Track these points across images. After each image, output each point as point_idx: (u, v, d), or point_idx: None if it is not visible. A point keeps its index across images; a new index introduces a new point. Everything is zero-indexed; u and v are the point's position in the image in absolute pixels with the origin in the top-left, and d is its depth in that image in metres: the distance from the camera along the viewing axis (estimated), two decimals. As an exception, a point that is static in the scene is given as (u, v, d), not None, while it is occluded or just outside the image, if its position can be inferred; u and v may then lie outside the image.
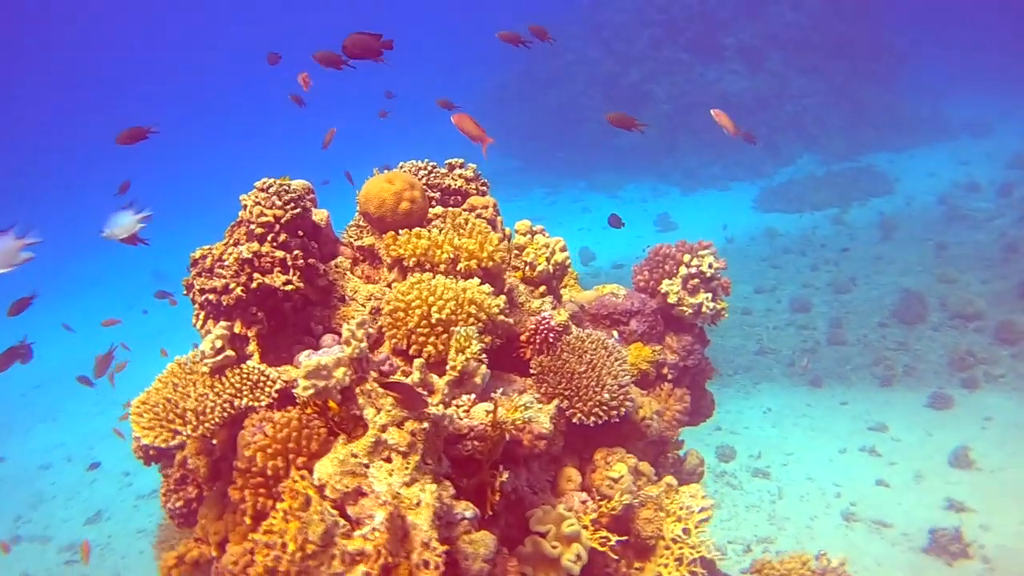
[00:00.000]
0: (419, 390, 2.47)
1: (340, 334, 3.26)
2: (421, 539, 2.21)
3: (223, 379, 2.68)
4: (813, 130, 21.24)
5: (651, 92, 21.61)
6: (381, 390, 2.40)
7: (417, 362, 2.49)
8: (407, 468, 2.34)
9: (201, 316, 2.85)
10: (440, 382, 2.51)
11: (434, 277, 3.18)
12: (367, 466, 2.36)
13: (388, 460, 2.37)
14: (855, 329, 12.05)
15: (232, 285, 2.74)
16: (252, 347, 2.82)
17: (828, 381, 10.83)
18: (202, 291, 2.77)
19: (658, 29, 22.11)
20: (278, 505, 2.17)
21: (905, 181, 19.06)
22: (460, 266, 3.34)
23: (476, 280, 3.28)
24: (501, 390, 3.45)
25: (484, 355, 2.65)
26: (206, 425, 2.49)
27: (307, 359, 2.66)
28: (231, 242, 2.95)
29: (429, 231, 3.38)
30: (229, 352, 2.74)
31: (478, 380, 2.57)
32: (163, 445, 2.42)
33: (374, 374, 2.44)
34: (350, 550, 2.23)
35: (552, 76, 24.58)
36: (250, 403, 2.61)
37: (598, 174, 23.18)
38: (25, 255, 2.93)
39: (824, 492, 8.44)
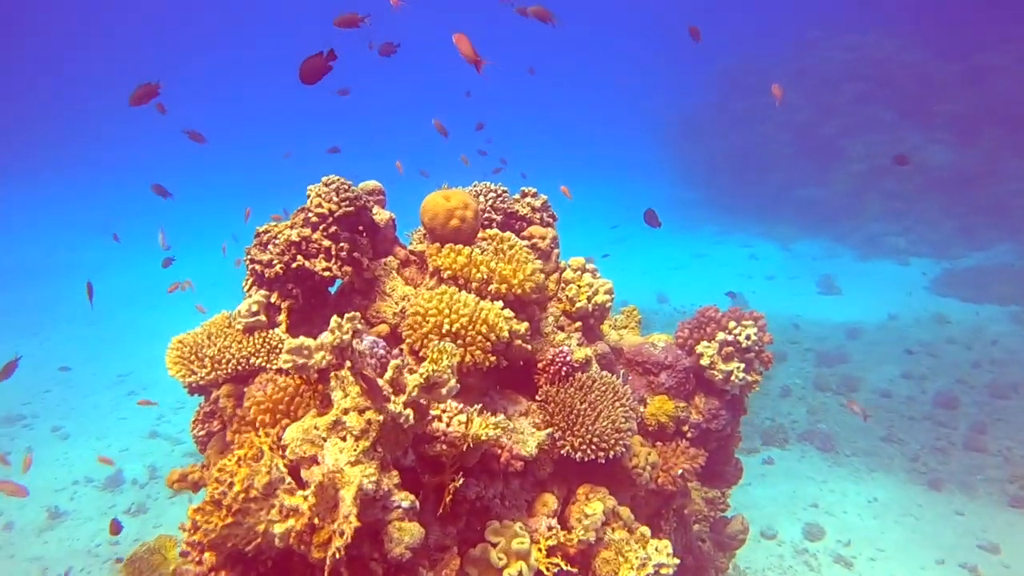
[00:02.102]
0: (387, 388, 2.79)
1: (371, 323, 3.67)
2: (343, 511, 2.54)
3: (249, 338, 3.14)
4: (1020, 218, 19.26)
5: (845, 148, 20.55)
6: (351, 378, 2.75)
7: (393, 363, 2.80)
8: (355, 450, 2.67)
9: (249, 282, 3.34)
10: (410, 384, 2.81)
11: (459, 292, 3.50)
12: (324, 440, 2.72)
13: (343, 439, 2.71)
14: (1000, 439, 10.97)
15: (276, 261, 3.20)
16: (282, 317, 3.27)
17: (950, 486, 9.99)
18: (252, 261, 3.25)
19: (866, 84, 20.94)
20: (236, 451, 2.58)
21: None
22: (491, 287, 3.63)
23: (499, 304, 3.56)
24: (505, 407, 3.71)
25: (454, 370, 2.90)
26: (218, 371, 2.95)
27: (355, 343, 3.06)
28: (291, 224, 3.42)
29: (471, 250, 3.68)
30: (262, 317, 3.21)
31: (444, 391, 2.84)
32: (181, 380, 2.91)
33: (349, 363, 2.78)
34: (287, 504, 2.60)
35: (745, 115, 24.02)
36: (263, 363, 3.04)
37: (774, 223, 22.40)
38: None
39: (903, 600, 7.90)
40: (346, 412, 2.73)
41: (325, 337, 2.75)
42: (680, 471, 4.02)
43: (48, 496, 9.94)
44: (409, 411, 2.75)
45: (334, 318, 2.71)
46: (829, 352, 14.51)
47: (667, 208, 28.71)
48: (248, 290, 3.36)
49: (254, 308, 3.19)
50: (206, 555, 2.74)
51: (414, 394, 2.80)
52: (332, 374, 2.80)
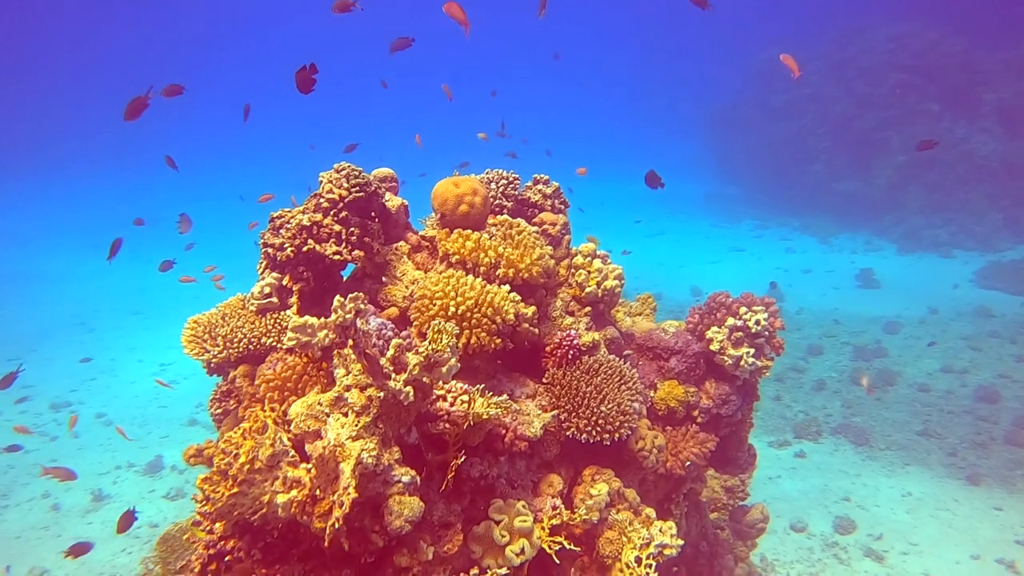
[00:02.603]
0: (388, 366, 2.87)
1: (381, 306, 3.76)
2: (343, 483, 2.63)
3: (261, 319, 3.26)
4: (1069, 210, 18.70)
5: (886, 140, 20.10)
6: (354, 356, 2.84)
7: (395, 342, 2.89)
8: (356, 425, 2.76)
9: (263, 264, 3.46)
10: (411, 363, 2.89)
11: (466, 276, 3.57)
12: (328, 415, 2.82)
13: (345, 415, 2.81)
14: (1044, 435, 10.72)
15: (287, 245, 3.31)
16: (293, 299, 3.38)
17: (988, 481, 9.79)
18: (265, 244, 3.37)
19: (909, 75, 20.43)
20: (242, 424, 2.70)
21: None
22: (499, 272, 3.70)
23: (506, 287, 3.62)
24: (512, 389, 3.78)
25: (454, 350, 2.97)
26: (230, 350, 3.08)
27: (361, 323, 3.17)
28: (304, 209, 3.53)
29: (480, 235, 3.76)
30: (274, 299, 3.33)
31: (444, 370, 2.92)
32: (194, 357, 3.03)
33: (351, 342, 2.87)
34: (290, 476, 2.71)
35: (784, 108, 23.64)
36: (274, 343, 3.16)
37: (813, 217, 22.06)
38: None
39: (936, 595, 7.79)
40: (348, 389, 2.83)
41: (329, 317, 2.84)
42: (689, 459, 4.04)
43: (93, 480, 10.31)
44: (409, 388, 2.83)
45: (337, 298, 2.80)
46: (866, 346, 14.28)
47: (707, 203, 28.49)
48: (262, 273, 3.48)
49: (266, 290, 3.30)
50: (217, 525, 2.87)
51: (415, 372, 2.88)
52: (335, 352, 2.89)
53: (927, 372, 13.17)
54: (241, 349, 3.13)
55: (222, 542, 2.88)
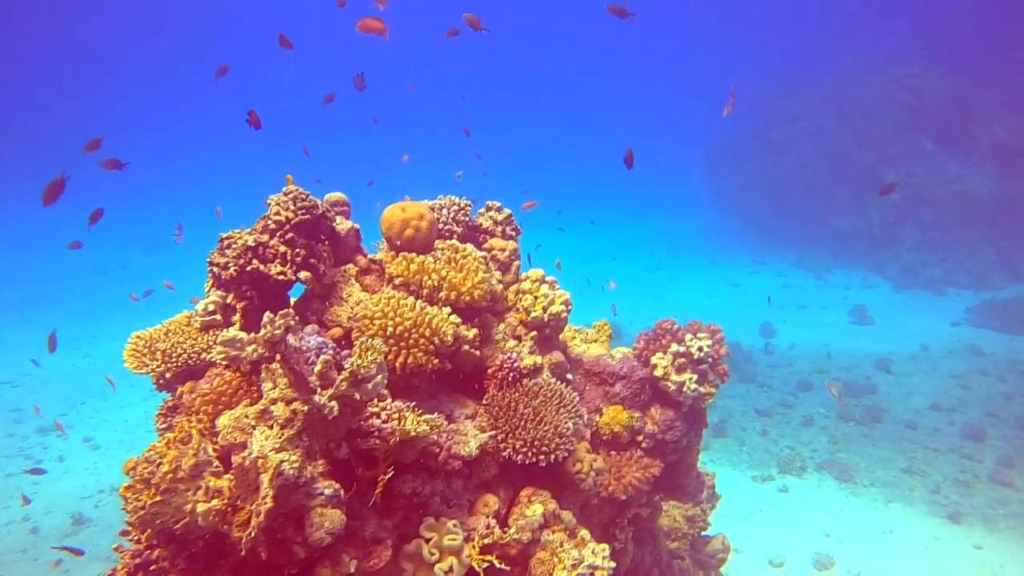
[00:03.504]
0: (316, 381, 2.96)
1: (327, 326, 3.86)
2: (262, 493, 2.71)
3: (202, 335, 3.36)
4: (1065, 248, 18.73)
5: (883, 177, 20.24)
6: (282, 371, 2.93)
7: (323, 358, 2.98)
8: (280, 437, 2.84)
9: (209, 283, 3.57)
10: (338, 379, 2.97)
11: (406, 297, 3.67)
12: (254, 428, 2.90)
13: (270, 427, 2.89)
14: (1027, 474, 10.68)
15: (231, 264, 3.43)
16: (236, 317, 3.48)
17: (970, 520, 9.74)
18: (211, 264, 3.49)
19: (904, 112, 20.65)
20: (167, 434, 2.78)
21: None
22: (441, 294, 3.80)
23: (447, 310, 3.72)
24: (452, 410, 3.85)
25: (381, 367, 3.06)
26: (168, 365, 3.18)
27: (293, 340, 3.27)
28: (252, 231, 3.65)
29: (424, 258, 3.86)
30: (218, 317, 3.43)
31: (370, 386, 3.00)
32: (135, 372, 3.13)
33: (279, 356, 2.96)
34: (213, 486, 2.78)
35: (783, 142, 23.87)
36: (214, 359, 3.25)
37: (809, 252, 22.18)
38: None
39: (905, 636, 7.73)
40: (274, 402, 2.91)
41: (265, 332, 2.94)
42: (632, 484, 4.09)
43: (75, 503, 10.34)
44: (334, 403, 2.91)
45: (267, 314, 2.90)
46: (857, 382, 14.27)
47: (705, 237, 28.63)
48: (208, 291, 3.59)
49: (210, 308, 3.41)
50: (144, 535, 2.94)
51: (342, 388, 2.96)
52: (263, 367, 2.99)
53: (915, 409, 13.16)
54: (180, 364, 3.23)
55: (148, 551, 2.95)
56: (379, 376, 3.03)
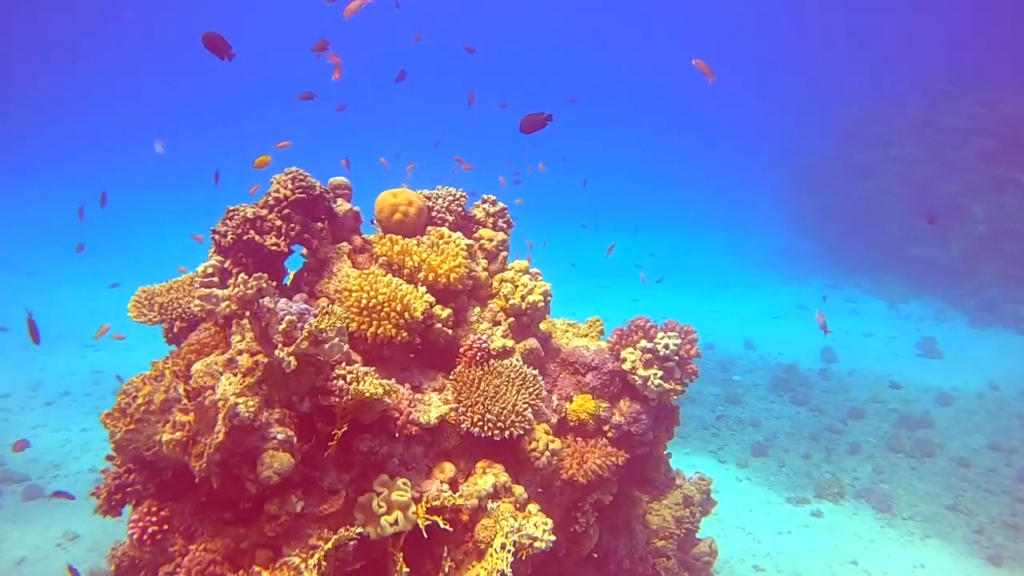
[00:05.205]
0: (280, 338, 3.33)
1: (316, 297, 4.25)
2: (216, 429, 3.09)
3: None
4: None
5: (967, 208, 19.41)
6: (250, 326, 3.32)
7: (287, 318, 3.35)
8: (241, 384, 3.22)
9: (212, 249, 4.01)
10: (300, 338, 3.33)
11: (385, 275, 4.02)
12: (222, 373, 3.30)
13: (235, 375, 3.28)
14: (1083, 526, 10.13)
15: (229, 233, 3.85)
16: (232, 281, 3.90)
17: (1012, 564, 9.33)
18: (214, 232, 3.92)
19: (995, 141, 19.72)
20: (143, 372, 3.20)
21: None
22: (420, 275, 4.13)
23: (423, 289, 4.05)
24: (421, 381, 4.17)
25: (341, 332, 3.39)
26: (164, 316, 3.61)
27: (271, 303, 3.67)
28: (255, 205, 4.08)
29: (408, 241, 4.20)
30: (215, 279, 3.86)
31: (327, 347, 3.35)
32: (135, 320, 3.59)
33: (249, 313, 3.34)
34: (179, 420, 3.19)
35: (866, 166, 23.17)
36: (203, 314, 3.68)
37: (884, 280, 21.43)
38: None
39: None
40: (240, 353, 3.30)
41: (235, 290, 3.34)
42: (593, 469, 4.30)
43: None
44: (292, 358, 3.28)
45: (241, 275, 3.29)
46: (913, 415, 13.79)
47: (778, 257, 28.02)
48: (210, 257, 4.03)
49: (209, 271, 3.84)
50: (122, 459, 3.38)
51: (303, 346, 3.32)
52: (235, 321, 3.38)
53: (972, 447, 12.63)
54: (174, 316, 3.66)
55: (126, 474, 3.39)
56: (337, 339, 3.38)
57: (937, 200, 20.22)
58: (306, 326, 3.31)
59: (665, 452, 4.82)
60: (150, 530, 3.26)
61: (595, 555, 5.00)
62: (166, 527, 3.31)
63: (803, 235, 25.55)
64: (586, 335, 5.13)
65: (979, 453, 12.46)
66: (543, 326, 4.80)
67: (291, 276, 4.37)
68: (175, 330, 4.03)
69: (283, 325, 3.34)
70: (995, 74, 21.83)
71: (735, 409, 14.36)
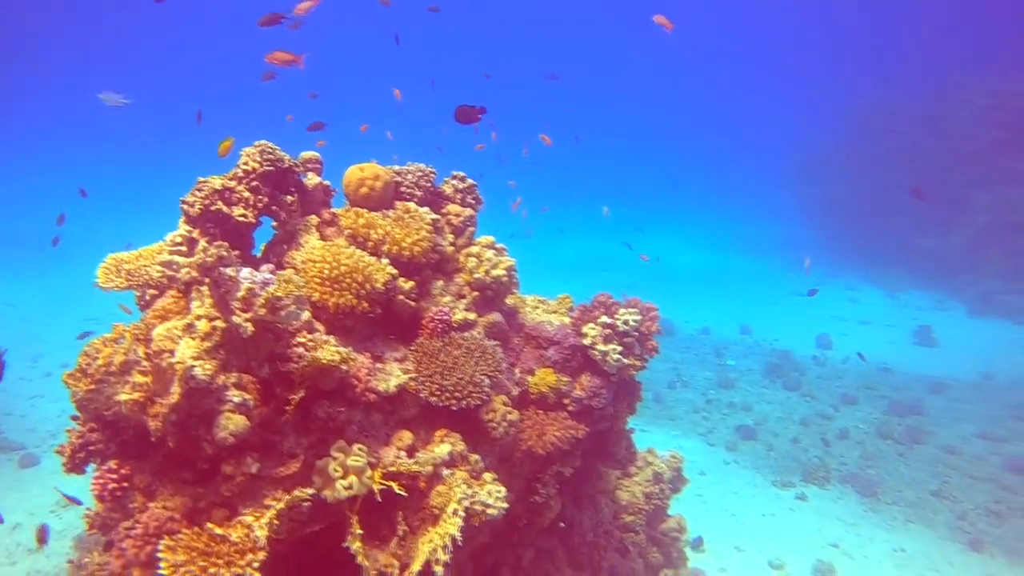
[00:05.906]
0: (238, 305, 3.44)
1: (284, 267, 4.35)
2: (171, 390, 3.21)
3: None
4: None
5: (972, 199, 19.30)
6: (208, 292, 3.43)
7: (246, 285, 3.46)
8: (199, 348, 3.33)
9: (182, 219, 4.11)
10: (257, 304, 3.44)
11: (348, 247, 4.11)
12: (181, 338, 3.41)
13: (193, 339, 3.39)
14: (1067, 514, 10.22)
15: (196, 203, 3.96)
16: (198, 249, 4.00)
17: (992, 550, 9.43)
18: (183, 201, 4.03)
19: (1006, 132, 19.57)
20: (104, 335, 3.32)
21: None
22: (384, 248, 4.22)
23: (386, 261, 4.15)
24: (383, 352, 4.28)
25: (299, 300, 3.50)
26: (130, 282, 3.73)
27: (233, 272, 3.77)
28: (224, 176, 4.18)
29: (373, 215, 4.29)
30: (183, 248, 3.97)
31: (283, 314, 3.45)
32: (101, 286, 3.70)
33: (208, 280, 3.44)
34: (136, 381, 3.31)
35: (873, 156, 23.06)
36: (164, 280, 3.79)
37: (884, 269, 21.41)
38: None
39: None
40: (199, 318, 3.41)
41: (199, 259, 3.44)
42: (552, 442, 4.40)
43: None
44: (248, 324, 3.38)
45: (202, 242, 3.40)
46: (904, 402, 13.86)
47: (780, 245, 27.97)
48: (179, 226, 4.14)
49: (177, 240, 3.95)
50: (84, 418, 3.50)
51: (260, 313, 3.43)
52: (194, 288, 3.49)
53: (961, 435, 12.71)
54: (140, 282, 3.77)
55: (89, 433, 3.52)
56: (293, 306, 3.48)
57: (942, 190, 20.12)
58: (263, 293, 3.42)
59: (627, 427, 4.92)
60: (110, 487, 3.38)
61: (562, 525, 5.13)
62: (126, 485, 3.43)
63: (806, 224, 25.49)
64: (555, 311, 5.22)
65: (968, 441, 12.54)
66: (511, 301, 4.89)
67: (263, 248, 4.47)
68: (147, 297, 4.14)
69: (241, 292, 3.45)
70: (1003, 67, 21.62)
71: (727, 393, 14.45)
